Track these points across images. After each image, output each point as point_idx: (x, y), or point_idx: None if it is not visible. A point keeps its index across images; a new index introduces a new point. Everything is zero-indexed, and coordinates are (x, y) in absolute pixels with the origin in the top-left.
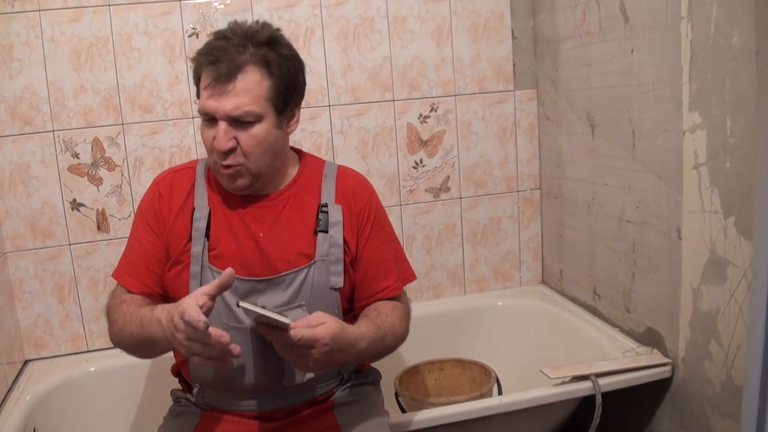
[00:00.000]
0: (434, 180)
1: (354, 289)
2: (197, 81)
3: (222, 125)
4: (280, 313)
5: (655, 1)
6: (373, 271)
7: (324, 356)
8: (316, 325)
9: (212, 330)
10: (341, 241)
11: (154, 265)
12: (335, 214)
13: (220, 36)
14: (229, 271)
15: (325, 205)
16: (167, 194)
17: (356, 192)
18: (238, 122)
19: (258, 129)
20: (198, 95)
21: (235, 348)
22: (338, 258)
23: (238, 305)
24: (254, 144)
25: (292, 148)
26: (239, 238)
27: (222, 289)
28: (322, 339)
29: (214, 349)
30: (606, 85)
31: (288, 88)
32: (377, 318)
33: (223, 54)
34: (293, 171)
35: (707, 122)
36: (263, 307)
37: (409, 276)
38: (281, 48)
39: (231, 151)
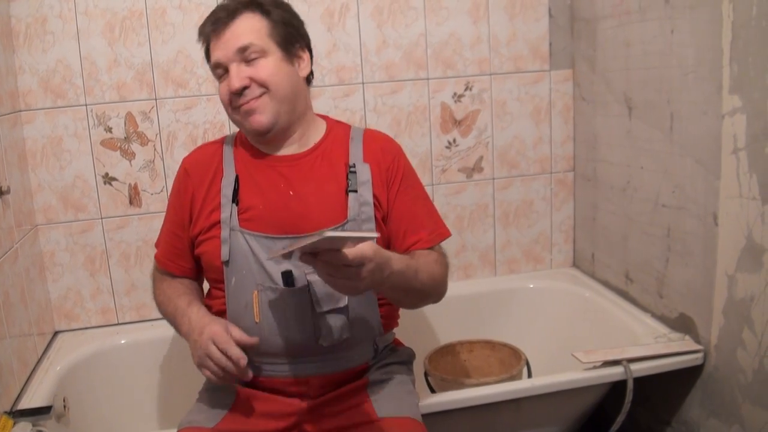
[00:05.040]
0: (467, 160)
1: (389, 245)
2: (209, 56)
3: (233, 67)
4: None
5: None
6: (405, 224)
7: (370, 273)
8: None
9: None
10: (371, 199)
11: (177, 243)
12: (363, 172)
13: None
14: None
15: (353, 165)
16: (194, 170)
17: (384, 150)
18: (247, 61)
19: (266, 62)
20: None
21: (248, 375)
22: (369, 216)
23: (325, 233)
24: (268, 73)
25: (320, 115)
26: (269, 199)
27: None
28: (369, 255)
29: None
30: (644, 66)
31: (286, 24)
32: (410, 255)
33: (220, 11)
34: (320, 133)
35: (748, 106)
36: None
37: (442, 232)
38: None
39: (246, 89)
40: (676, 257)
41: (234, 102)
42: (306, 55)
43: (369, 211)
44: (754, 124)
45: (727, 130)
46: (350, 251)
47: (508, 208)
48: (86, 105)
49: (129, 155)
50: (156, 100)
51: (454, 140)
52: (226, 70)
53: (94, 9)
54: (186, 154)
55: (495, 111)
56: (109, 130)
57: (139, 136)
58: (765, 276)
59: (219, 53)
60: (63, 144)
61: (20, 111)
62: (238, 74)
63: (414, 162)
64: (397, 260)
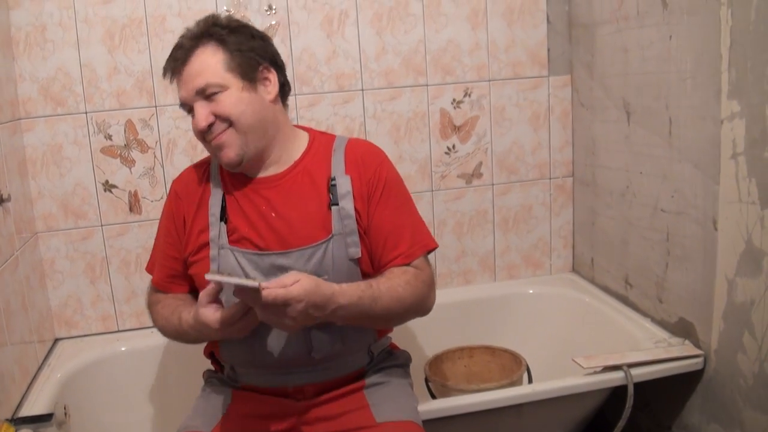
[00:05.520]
0: (466, 166)
1: (370, 259)
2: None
3: (196, 106)
4: (248, 277)
5: None
6: (384, 239)
7: (301, 314)
8: (290, 284)
9: (226, 312)
10: (353, 212)
11: (175, 265)
12: (344, 185)
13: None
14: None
15: (334, 179)
16: (184, 192)
17: (366, 160)
18: (208, 97)
19: (226, 96)
20: None
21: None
22: (352, 229)
23: (205, 276)
24: (230, 107)
25: (302, 127)
26: (253, 221)
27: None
28: (296, 296)
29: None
30: (643, 71)
31: (243, 51)
32: (376, 279)
33: (177, 50)
34: (301, 148)
35: (746, 111)
36: (229, 274)
37: (426, 243)
38: (224, 22)
39: (212, 125)
40: (675, 262)
41: (205, 137)
42: (272, 75)
43: (352, 224)
44: (752, 129)
45: (726, 134)
46: (270, 293)
47: (508, 214)
48: (86, 112)
49: (129, 162)
50: (156, 107)
51: (454, 146)
52: (192, 108)
53: (93, 17)
54: (186, 161)
55: (494, 117)
56: (109, 137)
57: (139, 144)
58: (765, 280)
59: (182, 93)
60: (63, 151)
61: (20, 119)
62: (202, 112)
63: (413, 168)
64: (345, 294)
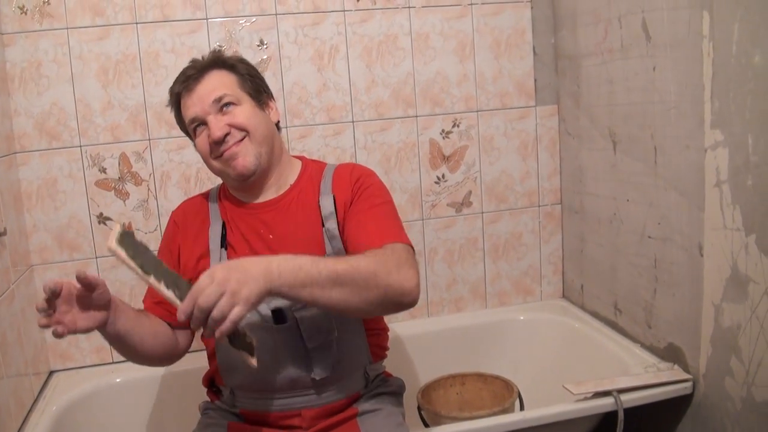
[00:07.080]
0: (456, 195)
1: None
2: (179, 118)
3: (210, 118)
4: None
5: (677, 20)
6: (355, 230)
7: (225, 280)
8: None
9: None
10: (337, 232)
11: None
12: (327, 206)
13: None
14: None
15: (320, 201)
16: (182, 222)
17: (353, 174)
18: (223, 111)
19: (241, 109)
20: (187, 131)
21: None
22: (340, 249)
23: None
24: (246, 117)
25: (296, 156)
26: (253, 245)
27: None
28: (211, 270)
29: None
30: (628, 101)
31: (252, 76)
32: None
33: (188, 70)
34: (295, 173)
35: (729, 140)
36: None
37: (401, 239)
38: (231, 56)
39: (227, 136)
40: (663, 288)
41: (214, 151)
42: (273, 104)
43: (338, 244)
44: (735, 158)
45: (709, 163)
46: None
47: (498, 242)
48: (81, 146)
49: (123, 195)
50: (149, 140)
51: (443, 176)
52: (201, 124)
53: (88, 53)
54: (179, 193)
55: (482, 146)
56: (104, 170)
57: (133, 176)
58: (750, 305)
59: (195, 108)
60: (58, 185)
61: (15, 153)
62: (217, 123)
63: (404, 198)
64: (275, 256)
